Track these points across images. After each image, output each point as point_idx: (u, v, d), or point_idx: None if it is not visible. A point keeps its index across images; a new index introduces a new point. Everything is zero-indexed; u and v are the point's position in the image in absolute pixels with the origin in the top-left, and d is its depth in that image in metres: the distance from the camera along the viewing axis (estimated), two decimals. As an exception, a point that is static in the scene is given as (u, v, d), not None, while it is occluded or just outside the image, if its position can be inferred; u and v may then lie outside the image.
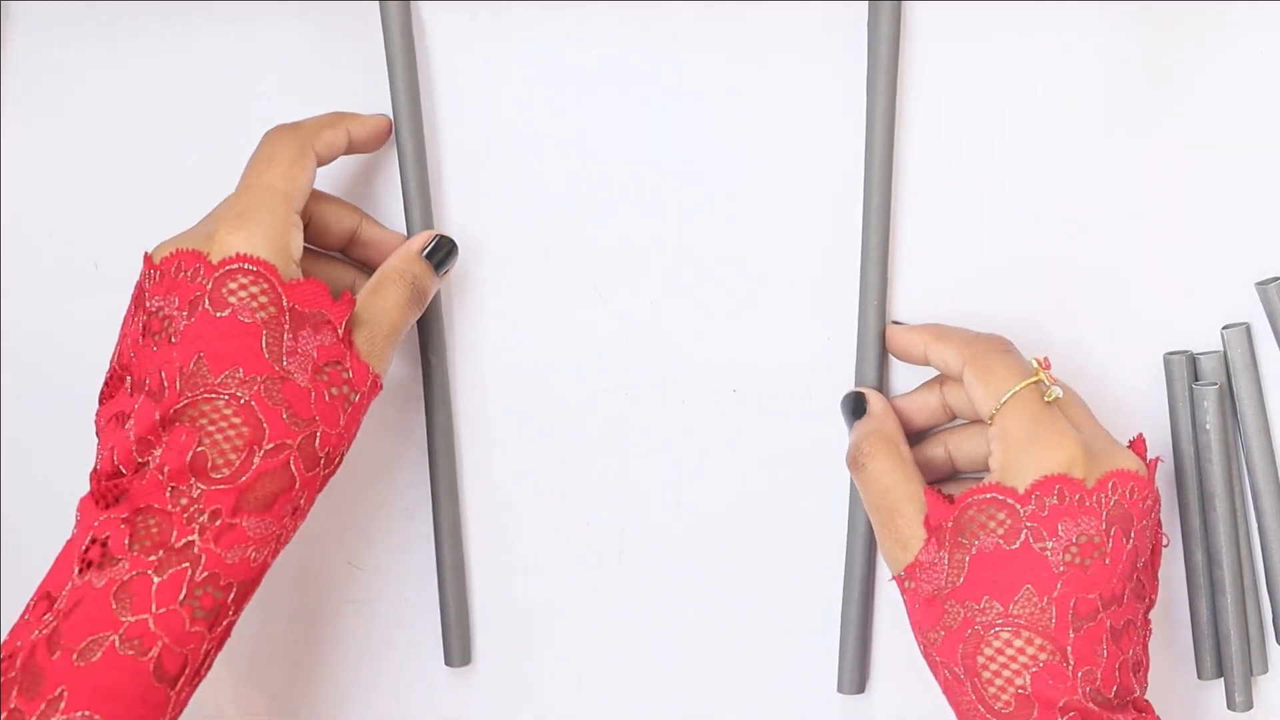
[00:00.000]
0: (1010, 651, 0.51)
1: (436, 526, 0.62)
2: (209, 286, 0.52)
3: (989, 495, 0.52)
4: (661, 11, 0.61)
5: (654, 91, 0.62)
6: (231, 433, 0.51)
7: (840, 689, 0.61)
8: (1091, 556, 0.50)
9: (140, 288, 0.54)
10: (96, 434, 0.53)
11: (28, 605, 0.51)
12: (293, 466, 0.52)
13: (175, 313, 0.52)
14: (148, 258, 0.54)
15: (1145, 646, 0.53)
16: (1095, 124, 0.60)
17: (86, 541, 0.50)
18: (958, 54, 0.60)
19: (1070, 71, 0.60)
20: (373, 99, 0.62)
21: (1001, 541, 0.51)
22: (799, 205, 0.61)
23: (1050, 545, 0.50)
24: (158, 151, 0.64)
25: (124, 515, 0.50)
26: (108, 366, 0.55)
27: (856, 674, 0.61)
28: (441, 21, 0.62)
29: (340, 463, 0.55)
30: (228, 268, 0.52)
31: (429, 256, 0.58)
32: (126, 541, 0.50)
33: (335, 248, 0.60)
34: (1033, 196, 0.60)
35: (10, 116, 0.64)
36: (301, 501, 0.53)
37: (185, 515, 0.50)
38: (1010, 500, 0.51)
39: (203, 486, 0.50)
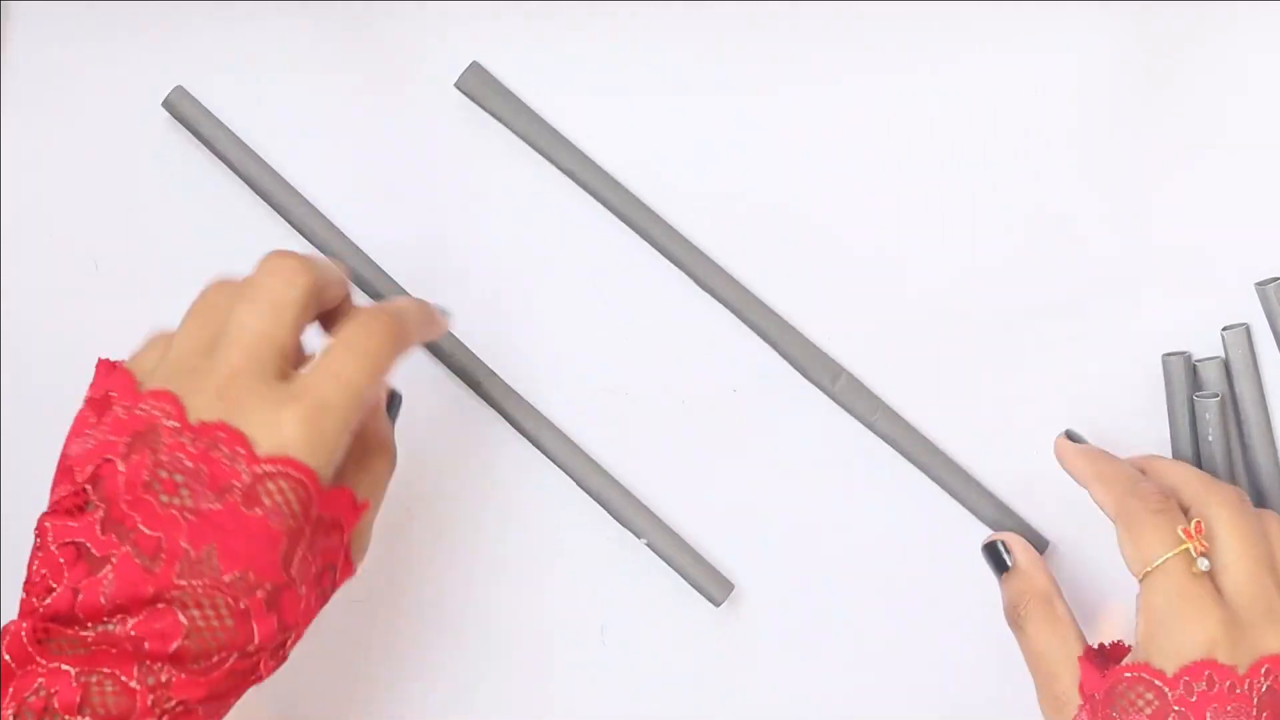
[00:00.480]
0: None
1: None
2: (246, 480, 0.47)
3: (1136, 675, 0.51)
4: (663, 11, 0.61)
5: (654, 91, 0.62)
6: (222, 634, 0.47)
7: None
8: None
9: (146, 420, 0.48)
10: (38, 539, 0.48)
11: None
12: (261, 666, 0.49)
13: (199, 489, 0.47)
14: (171, 398, 0.48)
15: None
16: (1095, 124, 0.60)
17: (33, 689, 0.47)
18: (950, 54, 0.60)
19: (1070, 71, 0.60)
20: (373, 99, 0.62)
21: None
22: (798, 205, 0.61)
23: None
24: (158, 152, 0.64)
25: (76, 670, 0.46)
26: (60, 460, 0.50)
27: None
28: (442, 21, 0.62)
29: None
30: (272, 469, 0.47)
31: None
32: (78, 701, 0.46)
33: None
34: (1032, 196, 0.60)
35: (10, 116, 0.64)
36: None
37: (151, 698, 0.46)
38: (1158, 682, 0.50)
39: (174, 673, 0.47)
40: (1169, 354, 0.60)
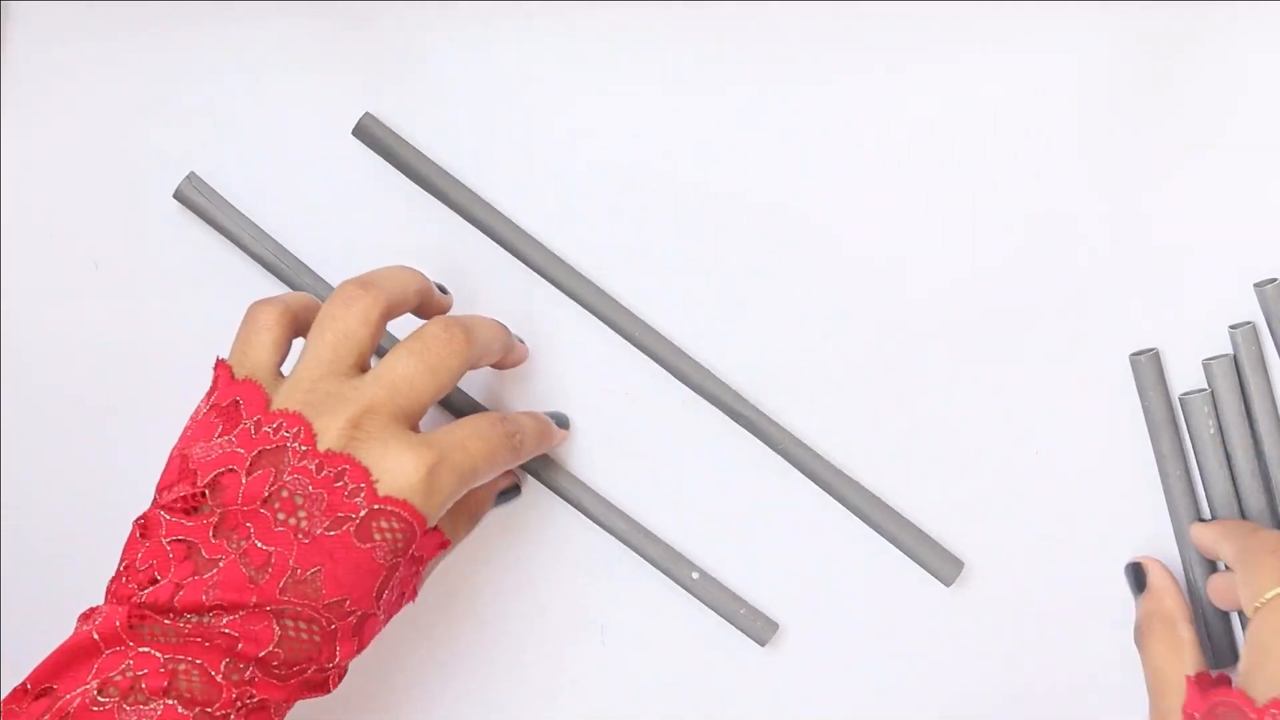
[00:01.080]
0: None
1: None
2: (362, 514, 0.50)
3: (1230, 701, 0.52)
4: (663, 11, 0.61)
5: (654, 91, 0.62)
6: (310, 649, 0.50)
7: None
8: None
9: (275, 442, 0.50)
10: (143, 529, 0.51)
11: (21, 690, 0.49)
12: (331, 681, 0.52)
13: (317, 514, 0.50)
14: (303, 423, 0.50)
15: None
16: (1095, 124, 0.60)
17: (120, 669, 0.48)
18: (950, 54, 0.60)
19: (1070, 71, 0.60)
20: (373, 100, 0.62)
21: None
22: (798, 205, 0.61)
23: None
24: (158, 152, 0.64)
25: (165, 656, 0.49)
26: (178, 458, 0.51)
27: None
28: (442, 21, 0.62)
29: None
30: (390, 508, 0.50)
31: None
32: (164, 686, 0.48)
33: None
34: (1032, 196, 0.60)
35: (10, 116, 0.64)
36: None
37: (235, 693, 0.49)
38: (1248, 711, 0.51)
39: (258, 674, 0.49)
40: (1136, 353, 0.60)
